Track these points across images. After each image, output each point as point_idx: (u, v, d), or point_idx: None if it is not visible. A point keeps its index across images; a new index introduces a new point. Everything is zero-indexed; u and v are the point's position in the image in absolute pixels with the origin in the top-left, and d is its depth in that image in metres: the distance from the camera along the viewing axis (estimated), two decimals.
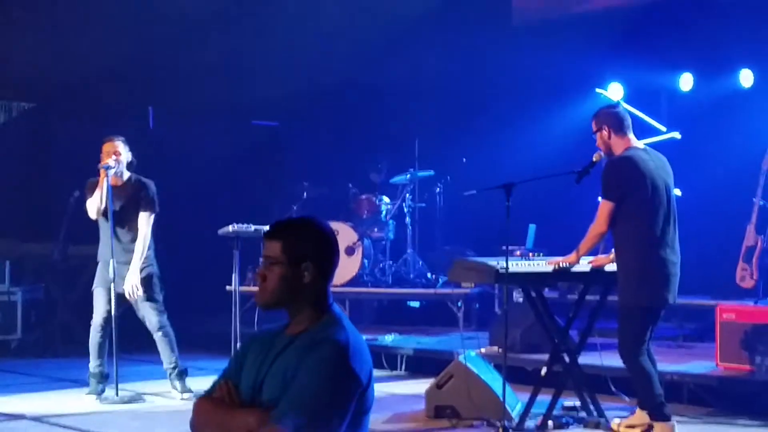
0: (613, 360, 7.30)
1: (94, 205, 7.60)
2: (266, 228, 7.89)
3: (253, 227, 7.94)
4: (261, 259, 3.21)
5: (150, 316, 7.78)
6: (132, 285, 7.62)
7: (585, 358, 7.16)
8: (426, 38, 12.38)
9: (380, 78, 12.34)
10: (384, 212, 11.51)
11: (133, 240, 7.70)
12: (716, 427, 6.90)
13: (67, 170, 11.57)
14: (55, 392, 8.48)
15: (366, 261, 11.36)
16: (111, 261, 7.53)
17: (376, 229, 11.48)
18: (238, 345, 8.03)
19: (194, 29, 11.86)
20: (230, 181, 11.74)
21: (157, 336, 7.83)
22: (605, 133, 6.39)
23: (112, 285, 7.55)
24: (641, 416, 6.35)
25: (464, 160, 11.59)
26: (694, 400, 7.51)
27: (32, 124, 12.29)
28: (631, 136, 6.42)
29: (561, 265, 6.58)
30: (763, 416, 7.04)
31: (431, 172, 11.57)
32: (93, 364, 7.78)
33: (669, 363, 7.74)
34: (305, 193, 11.72)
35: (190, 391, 7.84)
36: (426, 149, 11.69)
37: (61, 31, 11.47)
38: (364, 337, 8.92)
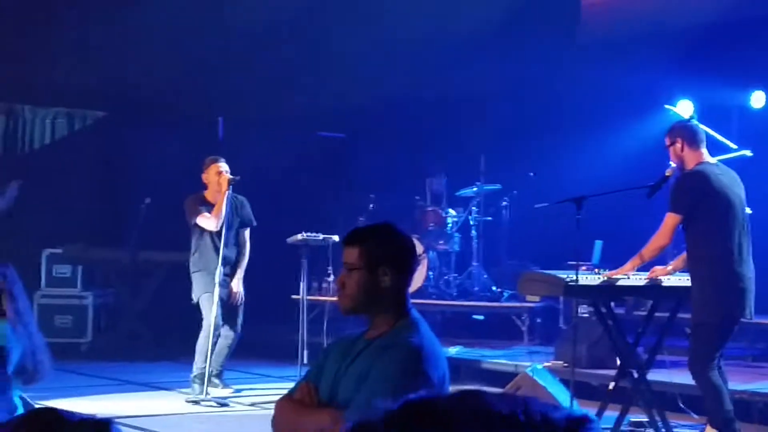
0: (682, 377, 7.25)
1: (216, 218, 7.89)
2: (335, 237, 8.07)
3: (321, 236, 8.06)
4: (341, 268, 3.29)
5: (236, 324, 8.09)
6: (238, 293, 8.12)
7: (654, 375, 7.10)
8: (492, 52, 12.39)
9: (446, 91, 12.38)
10: (450, 225, 11.53)
11: (233, 251, 8.13)
12: None
13: (137, 177, 11.82)
14: (124, 395, 8.63)
15: (431, 273, 11.39)
16: (218, 269, 7.79)
17: (441, 242, 11.50)
18: (305, 353, 8.13)
19: (263, 40, 12.02)
20: (297, 191, 11.86)
21: (228, 341, 8.04)
22: (678, 146, 6.35)
23: (216, 290, 7.83)
24: None
25: (532, 174, 11.55)
26: (764, 419, 7.41)
27: (104, 132, 12.54)
28: (704, 150, 6.38)
29: (616, 276, 6.53)
30: None
31: (498, 186, 11.56)
32: (199, 366, 7.98)
33: (739, 382, 7.64)
34: (371, 205, 11.78)
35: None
36: (493, 163, 11.70)
37: (132, 41, 11.70)
38: None
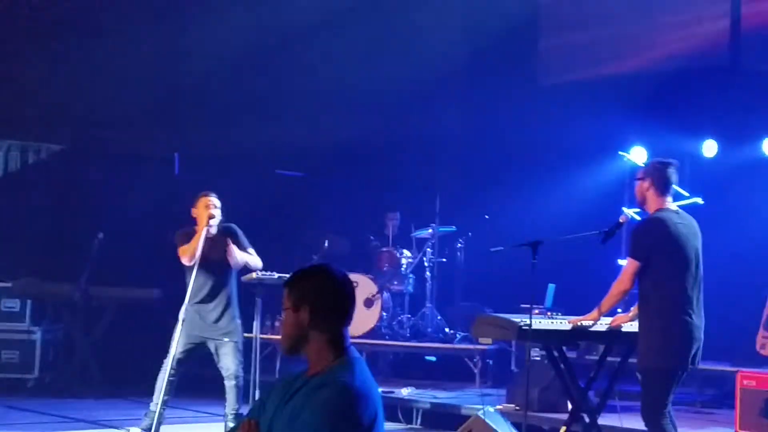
0: (632, 422, 7.29)
1: (189, 253, 7.74)
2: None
3: (276, 275, 8.01)
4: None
5: (230, 363, 7.88)
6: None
7: (605, 420, 7.14)
8: (451, 94, 12.53)
9: (404, 133, 12.46)
10: (404, 266, 11.55)
11: (216, 286, 7.88)
12: None
13: (91, 212, 11.72)
14: None
15: (384, 314, 11.39)
16: (184, 304, 7.66)
17: (395, 282, 11.51)
18: (257, 392, 8.06)
19: (221, 77, 12.04)
20: (253, 229, 11.80)
21: (231, 384, 7.89)
22: (646, 185, 6.35)
23: (180, 325, 7.68)
24: None
25: (486, 216, 11.64)
26: None
27: (60, 166, 12.44)
28: (669, 198, 6.38)
29: (581, 324, 6.58)
30: None
31: (453, 228, 11.62)
32: (153, 401, 7.83)
33: (688, 429, 7.70)
34: (326, 243, 11.77)
35: None
36: (448, 205, 11.76)
37: (89, 75, 11.66)
38: (380, 389, 8.87)
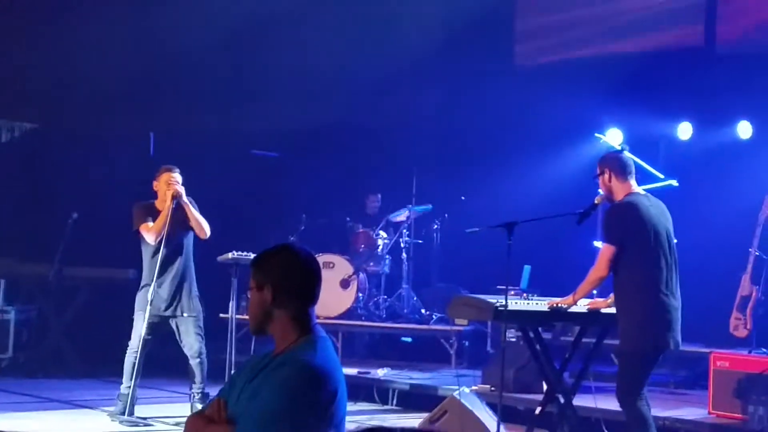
0: (607, 403, 7.34)
1: (156, 231, 7.68)
2: None
3: (252, 255, 7.98)
4: None
5: (193, 340, 7.82)
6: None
7: (579, 400, 7.17)
8: (428, 76, 12.50)
9: (381, 113, 12.41)
10: (381, 247, 11.55)
11: (174, 262, 7.90)
12: None
13: (65, 192, 11.63)
14: (45, 413, 8.46)
15: (361, 295, 11.39)
16: (152, 285, 7.62)
17: (372, 263, 11.51)
18: (232, 372, 8.06)
19: (197, 57, 11.95)
20: (229, 209, 11.76)
21: (195, 362, 7.87)
22: (606, 176, 6.44)
23: (148, 308, 7.64)
24: None
25: (463, 198, 11.65)
26: None
27: (34, 144, 12.34)
28: (633, 182, 6.46)
29: (558, 306, 6.61)
30: None
31: (429, 207, 11.62)
32: (124, 384, 7.81)
33: (662, 409, 7.75)
34: (303, 225, 11.75)
35: None
36: (424, 186, 11.76)
37: (65, 54, 11.54)
38: (356, 370, 8.89)
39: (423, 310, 11.42)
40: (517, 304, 6.72)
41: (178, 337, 7.95)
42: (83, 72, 11.55)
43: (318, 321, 9.82)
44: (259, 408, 3.13)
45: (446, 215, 11.72)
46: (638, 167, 10.18)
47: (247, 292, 3.44)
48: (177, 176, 7.92)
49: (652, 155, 11.20)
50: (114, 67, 11.57)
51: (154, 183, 7.94)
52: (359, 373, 9.78)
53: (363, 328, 11.37)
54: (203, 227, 7.90)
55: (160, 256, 7.77)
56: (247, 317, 3.53)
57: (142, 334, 7.74)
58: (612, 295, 6.56)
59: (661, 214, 6.40)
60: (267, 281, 3.29)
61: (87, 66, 11.51)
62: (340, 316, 11.12)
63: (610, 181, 6.43)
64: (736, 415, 7.52)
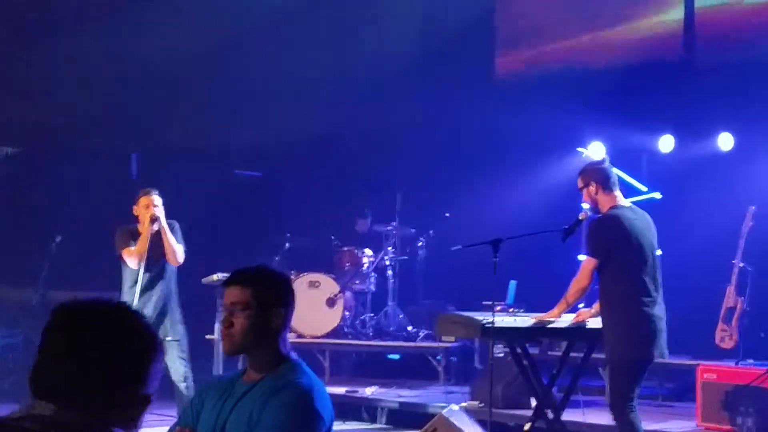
0: (596, 418, 7.34)
1: (138, 255, 7.64)
2: None
3: None
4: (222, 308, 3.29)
5: (177, 365, 7.79)
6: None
7: (568, 415, 7.18)
8: (409, 91, 12.53)
9: (363, 130, 12.44)
10: (366, 265, 11.53)
11: (155, 285, 7.84)
12: None
13: (48, 215, 11.57)
14: None
15: (347, 313, 11.36)
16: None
17: (357, 282, 11.48)
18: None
19: (177, 76, 11.94)
20: (212, 230, 11.75)
21: (182, 386, 7.81)
22: (592, 189, 6.45)
23: None
24: None
25: (447, 214, 11.65)
26: None
27: (15, 168, 12.27)
28: (618, 193, 6.49)
29: (545, 320, 6.62)
30: None
31: (412, 231, 11.65)
32: None
33: (651, 422, 7.74)
34: (287, 244, 11.73)
35: None
36: (409, 203, 11.76)
37: (43, 75, 11.52)
38: (344, 389, 8.85)
39: (409, 327, 11.39)
40: (503, 320, 6.71)
41: (162, 363, 7.89)
42: (63, 95, 11.53)
43: (305, 340, 9.86)
44: None
45: (431, 232, 11.71)
46: (621, 180, 10.27)
47: (226, 308, 3.31)
48: (156, 199, 7.87)
49: (635, 168, 11.25)
50: (94, 89, 11.54)
51: (134, 207, 7.90)
52: (347, 392, 9.74)
53: (350, 347, 11.33)
54: (176, 253, 7.83)
55: (141, 280, 7.73)
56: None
57: None
58: (595, 305, 6.58)
59: (645, 227, 6.43)
60: (278, 304, 3.25)
61: (66, 89, 11.48)
62: (327, 335, 11.09)
63: (596, 194, 6.44)
64: (724, 427, 7.54)
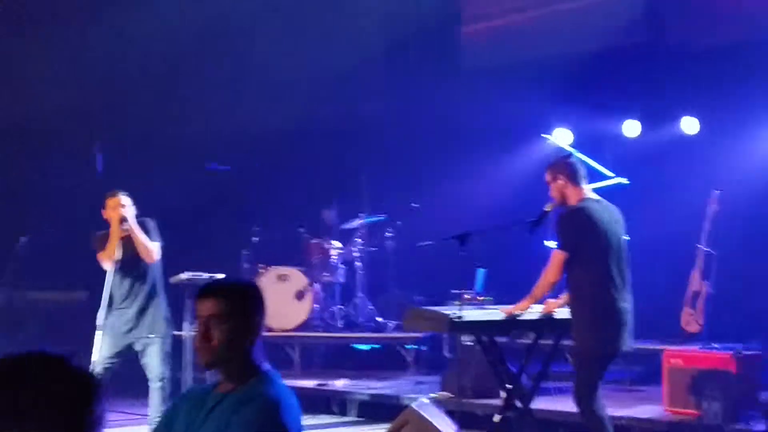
0: (565, 405, 7.39)
1: (108, 257, 7.61)
2: (220, 276, 7.97)
3: (206, 276, 7.95)
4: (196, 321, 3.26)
5: (156, 363, 7.77)
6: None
7: (538, 402, 7.22)
8: (374, 81, 12.51)
9: (330, 121, 12.42)
10: (334, 257, 11.52)
11: (136, 285, 7.77)
12: None
13: (11, 215, 11.47)
14: None
15: (316, 305, 11.37)
16: (101, 309, 7.57)
17: (326, 274, 11.48)
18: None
19: (144, 71, 11.85)
20: (180, 225, 11.68)
21: (156, 386, 7.77)
22: (561, 182, 6.47)
23: (99, 332, 7.56)
24: None
25: (415, 205, 11.65)
26: None
27: None
28: (585, 187, 6.52)
29: (514, 313, 6.65)
30: None
31: (381, 218, 11.63)
32: None
33: (619, 407, 7.82)
34: (255, 237, 11.71)
35: None
36: (376, 194, 11.76)
37: (7, 72, 11.39)
38: (314, 382, 8.84)
39: (379, 318, 11.42)
40: (471, 314, 6.73)
41: (141, 359, 7.85)
42: (25, 90, 11.42)
43: (274, 334, 9.84)
44: None
45: (399, 222, 11.72)
46: (588, 166, 10.32)
47: (200, 320, 3.30)
48: (123, 199, 7.81)
49: (601, 154, 11.32)
50: (57, 84, 11.44)
51: (103, 212, 7.84)
52: (318, 385, 9.76)
53: (320, 339, 11.34)
54: (150, 252, 7.79)
55: (117, 280, 7.69)
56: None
57: (101, 358, 7.64)
58: (563, 296, 6.62)
59: (613, 219, 6.47)
60: (254, 314, 3.26)
61: (29, 83, 11.37)
62: (297, 328, 11.10)
63: (565, 187, 6.47)
64: (691, 411, 7.61)
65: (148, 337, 7.77)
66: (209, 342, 3.22)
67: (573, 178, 6.46)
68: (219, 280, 3.39)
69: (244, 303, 3.27)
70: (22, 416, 1.80)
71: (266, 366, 3.31)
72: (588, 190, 6.53)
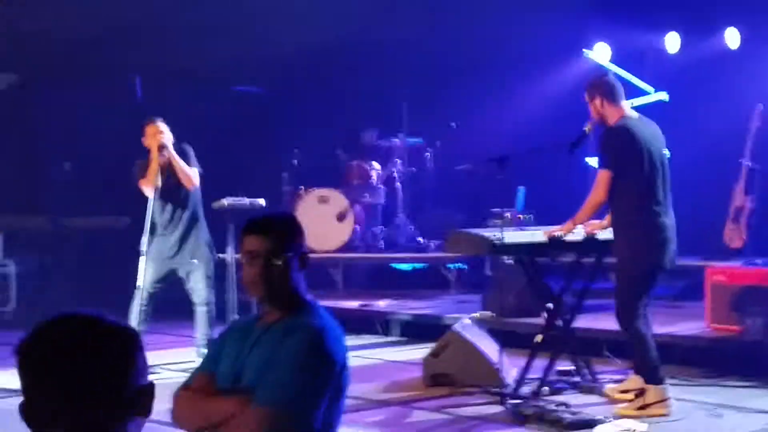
0: (606, 323, 7.42)
1: (149, 184, 7.72)
2: (261, 201, 8.04)
3: (247, 201, 8.03)
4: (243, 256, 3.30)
5: (201, 287, 7.91)
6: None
7: (580, 321, 7.26)
8: (413, 3, 12.34)
9: (366, 43, 12.29)
10: (374, 178, 11.55)
11: (178, 211, 7.89)
12: (707, 388, 7.03)
13: (54, 141, 11.58)
14: None
15: (357, 227, 11.43)
16: (145, 236, 7.70)
17: (366, 195, 11.52)
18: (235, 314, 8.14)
19: None
20: (219, 150, 11.73)
21: (202, 309, 7.93)
22: (598, 102, 6.42)
23: (143, 257, 7.70)
24: (635, 381, 6.46)
25: (453, 125, 11.60)
26: (686, 361, 7.62)
27: (16, 95, 12.21)
28: (624, 104, 6.46)
29: (557, 235, 6.64)
30: (752, 376, 7.17)
31: (420, 139, 11.63)
32: None
33: (661, 324, 7.79)
34: (295, 160, 11.74)
35: None
36: (415, 114, 11.72)
37: (42, 2, 11.37)
38: (357, 303, 8.94)
39: (420, 239, 11.47)
40: (512, 236, 6.74)
41: (186, 285, 7.99)
42: (64, 16, 11.40)
43: (317, 255, 9.93)
44: (279, 373, 3.12)
45: (438, 143, 11.69)
46: (627, 82, 10.20)
47: (251, 256, 3.34)
48: (161, 126, 7.87)
49: (641, 69, 11.17)
50: (91, 11, 11.41)
51: (143, 140, 7.91)
52: (360, 306, 9.87)
53: (362, 260, 11.43)
54: (190, 178, 7.87)
55: (158, 207, 7.81)
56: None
57: (146, 283, 7.79)
58: (607, 217, 6.61)
59: (654, 136, 6.43)
60: (291, 249, 3.29)
61: (68, 9, 11.36)
62: (339, 250, 11.19)
63: (602, 106, 6.42)
64: (733, 327, 7.62)
65: (191, 263, 7.91)
66: (260, 277, 3.27)
67: (610, 96, 6.40)
68: (264, 217, 3.41)
69: (291, 238, 3.32)
70: (72, 385, 1.83)
71: (311, 297, 3.37)
72: (627, 107, 6.46)
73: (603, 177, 6.29)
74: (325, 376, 3.16)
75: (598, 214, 6.69)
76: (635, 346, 6.39)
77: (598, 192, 6.32)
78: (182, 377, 3.49)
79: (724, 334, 7.68)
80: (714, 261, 8.59)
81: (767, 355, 7.26)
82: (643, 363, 6.35)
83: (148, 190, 7.80)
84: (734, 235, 9.39)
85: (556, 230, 6.67)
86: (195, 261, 7.93)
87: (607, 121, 6.42)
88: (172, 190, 7.86)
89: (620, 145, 6.27)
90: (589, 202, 6.41)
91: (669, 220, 6.33)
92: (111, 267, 9.58)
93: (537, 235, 6.80)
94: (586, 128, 6.57)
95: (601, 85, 6.47)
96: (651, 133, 6.42)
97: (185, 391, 3.32)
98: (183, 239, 7.93)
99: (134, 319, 7.84)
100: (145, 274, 7.80)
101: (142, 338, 1.95)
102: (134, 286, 7.86)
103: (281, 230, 3.33)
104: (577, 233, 6.70)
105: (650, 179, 6.26)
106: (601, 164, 6.37)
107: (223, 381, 3.28)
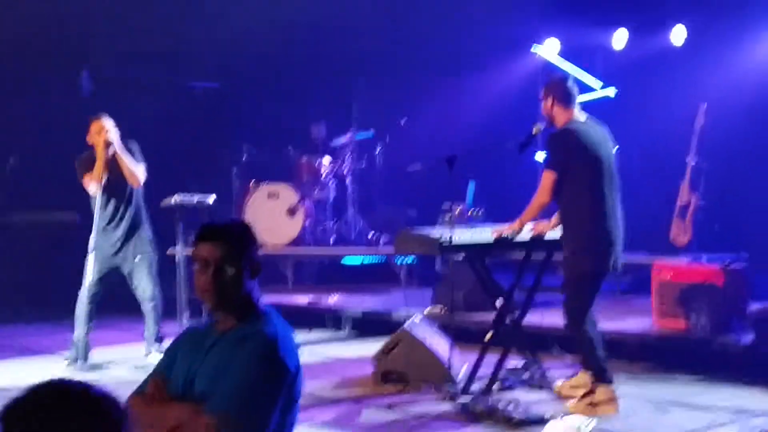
0: (556, 318, 7.48)
1: (95, 180, 7.64)
2: (210, 199, 8.00)
3: (195, 198, 7.99)
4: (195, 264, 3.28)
5: (145, 283, 7.86)
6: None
7: (529, 317, 7.31)
8: None
9: (317, 38, 12.26)
10: (324, 174, 11.54)
11: (122, 207, 7.85)
12: (655, 383, 7.15)
13: (2, 136, 11.40)
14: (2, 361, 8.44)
15: (308, 222, 11.42)
16: (92, 235, 7.67)
17: (317, 190, 11.51)
18: (185, 312, 8.11)
19: None
20: (169, 145, 11.64)
21: (149, 306, 7.88)
22: (549, 102, 6.47)
23: (91, 255, 7.65)
24: (584, 378, 6.54)
25: (402, 122, 11.62)
26: (633, 356, 7.72)
27: None
28: (575, 109, 6.49)
29: (504, 235, 6.69)
30: (699, 372, 7.30)
31: (370, 134, 11.63)
32: (79, 332, 7.83)
33: (609, 320, 7.86)
34: (245, 156, 11.69)
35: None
36: (364, 110, 11.71)
37: None
38: (307, 299, 8.90)
39: (370, 234, 11.48)
40: (461, 236, 6.76)
41: (130, 283, 7.95)
42: (8, 10, 11.23)
43: (267, 251, 9.86)
44: (232, 382, 3.12)
45: (387, 138, 11.71)
46: (575, 78, 10.27)
47: (203, 263, 3.31)
48: (106, 123, 7.81)
49: (590, 64, 11.27)
50: (38, 6, 11.25)
51: (87, 137, 7.84)
52: (310, 302, 9.87)
53: (312, 256, 11.42)
54: (135, 176, 7.83)
55: (102, 203, 7.75)
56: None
57: (92, 281, 7.74)
58: (555, 217, 6.67)
59: (601, 139, 6.48)
60: (245, 257, 3.28)
61: (11, 4, 11.18)
62: (289, 244, 11.17)
63: (552, 107, 6.47)
64: (679, 324, 7.73)
65: (134, 260, 7.88)
66: (212, 285, 3.26)
67: (563, 100, 6.44)
68: (212, 224, 3.38)
69: (244, 245, 3.30)
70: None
71: (264, 304, 3.36)
72: (577, 112, 6.50)
73: (547, 178, 6.35)
74: (278, 384, 3.17)
75: (545, 212, 6.75)
76: (581, 346, 6.46)
77: (542, 193, 6.39)
78: (131, 374, 3.48)
79: (671, 330, 7.79)
80: (661, 257, 8.69)
81: (713, 351, 7.39)
82: (590, 363, 6.43)
83: (92, 187, 7.74)
84: (680, 232, 9.52)
85: (504, 230, 6.70)
86: (138, 258, 7.89)
87: (555, 123, 6.47)
88: (117, 187, 7.82)
89: (565, 149, 6.33)
90: (534, 203, 6.47)
91: (614, 222, 6.38)
92: (59, 263, 9.47)
93: (485, 234, 6.83)
94: (534, 130, 6.63)
95: (557, 87, 6.51)
96: (598, 135, 6.47)
97: (138, 397, 3.32)
98: (127, 236, 7.90)
99: (80, 319, 7.80)
100: (90, 270, 7.76)
101: (128, 414, 1.90)
102: (80, 283, 7.82)
103: (234, 238, 3.31)
104: (525, 233, 6.75)
105: (595, 183, 6.32)
106: (546, 165, 6.44)
107: (176, 387, 3.28)
